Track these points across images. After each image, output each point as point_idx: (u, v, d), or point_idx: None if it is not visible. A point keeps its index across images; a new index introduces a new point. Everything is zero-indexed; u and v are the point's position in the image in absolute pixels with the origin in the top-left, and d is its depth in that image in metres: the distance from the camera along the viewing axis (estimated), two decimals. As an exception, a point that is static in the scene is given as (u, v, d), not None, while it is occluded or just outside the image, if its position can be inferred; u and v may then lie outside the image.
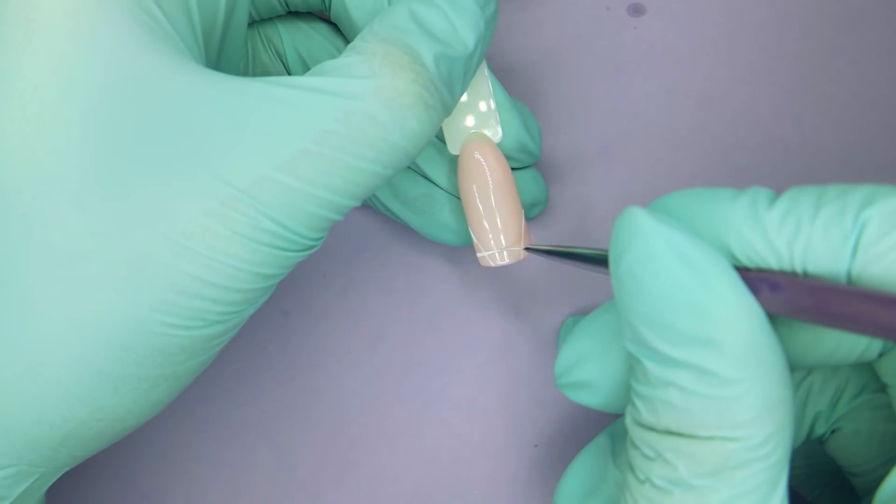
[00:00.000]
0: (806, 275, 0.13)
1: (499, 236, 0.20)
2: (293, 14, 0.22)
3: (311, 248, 0.16)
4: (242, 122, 0.15)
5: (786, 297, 0.12)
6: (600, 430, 0.24)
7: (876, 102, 0.25)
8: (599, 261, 0.16)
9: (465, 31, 0.17)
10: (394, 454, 0.24)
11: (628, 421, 0.14)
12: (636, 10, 0.26)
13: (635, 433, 0.14)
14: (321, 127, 0.15)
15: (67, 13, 0.15)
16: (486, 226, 0.20)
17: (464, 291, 0.25)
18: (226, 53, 0.19)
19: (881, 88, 0.25)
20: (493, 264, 0.20)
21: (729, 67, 0.25)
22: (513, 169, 0.22)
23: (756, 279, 0.13)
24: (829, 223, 0.12)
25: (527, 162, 0.22)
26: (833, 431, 0.18)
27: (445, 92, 0.16)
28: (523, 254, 0.20)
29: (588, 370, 0.17)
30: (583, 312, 0.25)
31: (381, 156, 0.16)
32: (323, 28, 0.22)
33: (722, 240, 0.13)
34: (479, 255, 0.20)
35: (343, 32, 0.21)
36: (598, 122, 0.25)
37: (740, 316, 0.12)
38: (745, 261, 0.13)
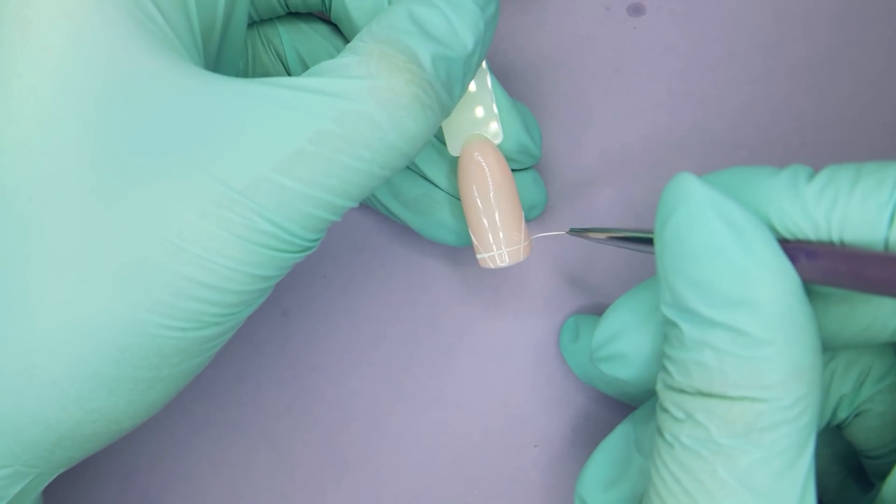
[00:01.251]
0: (843, 244, 0.13)
1: (499, 238, 0.20)
2: (293, 15, 0.22)
3: (308, 249, 0.16)
4: (238, 124, 0.15)
5: (822, 264, 0.13)
6: (601, 429, 0.24)
7: (876, 102, 0.25)
8: (642, 241, 0.17)
9: (464, 32, 0.17)
10: (394, 454, 0.24)
11: (659, 387, 0.15)
12: (636, 10, 0.26)
13: (666, 396, 0.14)
14: (317, 127, 0.15)
15: (65, 14, 0.15)
16: (487, 227, 0.20)
17: (464, 291, 0.25)
18: (225, 54, 0.19)
19: (881, 88, 0.25)
20: (493, 266, 0.20)
21: (729, 67, 0.25)
22: (513, 170, 0.22)
23: (794, 248, 0.13)
24: (867, 195, 0.13)
25: (527, 163, 0.22)
26: (857, 415, 0.18)
27: (443, 92, 0.16)
28: (523, 255, 0.20)
29: (624, 343, 0.17)
30: (583, 312, 0.25)
31: (377, 156, 0.16)
32: (323, 28, 0.22)
33: (763, 213, 0.14)
34: (479, 256, 0.20)
35: (343, 33, 0.21)
36: (598, 123, 0.25)
37: (778, 279, 0.13)
38: (785, 233, 0.14)
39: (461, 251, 0.25)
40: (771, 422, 0.13)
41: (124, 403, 0.16)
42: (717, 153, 0.25)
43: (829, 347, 0.15)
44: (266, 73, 0.22)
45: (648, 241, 0.17)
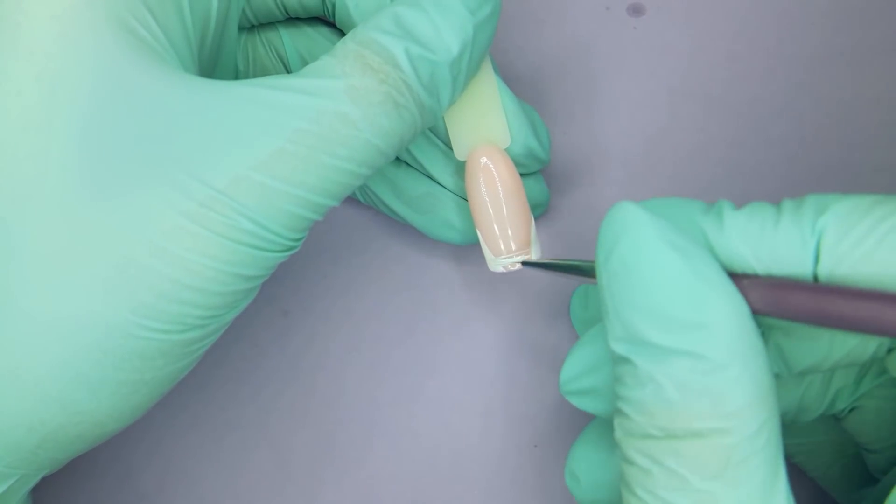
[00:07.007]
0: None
1: (509, 243, 0.20)
2: (294, 17, 0.22)
3: (291, 248, 0.17)
4: (219, 125, 0.15)
5: (756, 294, 0.13)
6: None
7: (876, 102, 0.25)
8: (593, 271, 0.17)
9: (449, 36, 0.17)
10: (393, 454, 0.24)
11: (618, 435, 0.14)
12: (636, 10, 0.26)
13: (628, 445, 0.14)
14: (295, 126, 0.15)
15: (54, 18, 0.15)
16: (497, 233, 0.20)
17: (464, 291, 0.25)
18: (221, 53, 0.19)
19: (881, 88, 0.25)
20: (503, 270, 0.20)
21: (729, 67, 0.25)
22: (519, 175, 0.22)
23: (734, 277, 0.14)
24: (790, 231, 0.13)
25: (535, 167, 0.22)
26: (853, 409, 0.18)
27: (424, 94, 0.17)
28: (531, 259, 0.20)
29: (594, 378, 0.17)
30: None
31: (354, 153, 0.16)
32: (324, 29, 0.22)
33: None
34: (489, 262, 0.21)
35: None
36: (599, 123, 0.25)
37: (730, 302, 0.13)
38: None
39: (462, 251, 0.25)
40: (742, 456, 0.13)
41: (107, 406, 0.16)
42: (716, 153, 0.25)
43: (818, 371, 0.16)
44: (266, 74, 0.22)
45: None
